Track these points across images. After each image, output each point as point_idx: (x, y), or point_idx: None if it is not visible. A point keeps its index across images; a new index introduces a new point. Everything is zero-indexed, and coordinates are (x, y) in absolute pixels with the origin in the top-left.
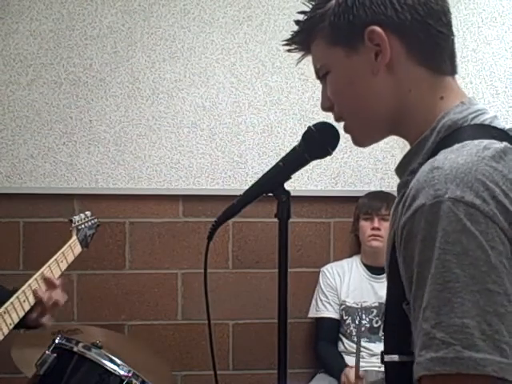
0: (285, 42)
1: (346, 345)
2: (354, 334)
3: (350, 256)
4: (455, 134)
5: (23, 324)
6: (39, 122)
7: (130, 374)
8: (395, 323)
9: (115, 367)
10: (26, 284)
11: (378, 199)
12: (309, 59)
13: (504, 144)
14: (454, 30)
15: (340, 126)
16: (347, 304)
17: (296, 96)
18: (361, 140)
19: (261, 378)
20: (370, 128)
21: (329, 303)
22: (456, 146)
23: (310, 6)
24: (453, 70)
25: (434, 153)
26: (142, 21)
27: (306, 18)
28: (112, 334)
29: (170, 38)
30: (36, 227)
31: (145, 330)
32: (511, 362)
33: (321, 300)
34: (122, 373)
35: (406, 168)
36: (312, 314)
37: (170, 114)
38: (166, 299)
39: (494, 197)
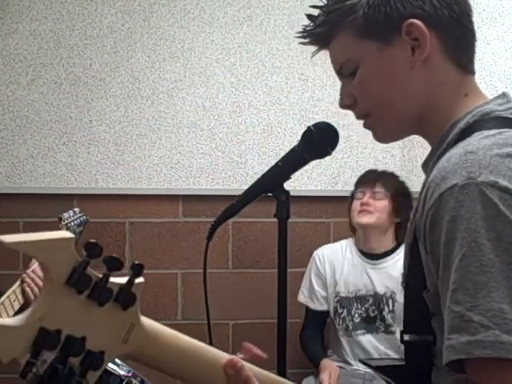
0: (300, 35)
1: (346, 345)
2: (351, 328)
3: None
4: (494, 120)
5: None
6: (39, 122)
7: (129, 374)
8: (414, 308)
9: (115, 367)
10: (16, 284)
11: (369, 175)
12: (308, 58)
13: None
14: None
15: (340, 127)
16: (341, 295)
17: (296, 96)
18: (384, 136)
19: None
20: (396, 124)
21: (315, 295)
22: (493, 131)
23: (326, 1)
24: (473, 70)
25: (464, 133)
26: (142, 21)
27: (330, 9)
28: None
29: (169, 38)
30: (36, 227)
31: None
32: None
33: (307, 289)
34: (121, 372)
35: (433, 156)
36: (300, 299)
37: (170, 114)
38: (165, 299)
39: None
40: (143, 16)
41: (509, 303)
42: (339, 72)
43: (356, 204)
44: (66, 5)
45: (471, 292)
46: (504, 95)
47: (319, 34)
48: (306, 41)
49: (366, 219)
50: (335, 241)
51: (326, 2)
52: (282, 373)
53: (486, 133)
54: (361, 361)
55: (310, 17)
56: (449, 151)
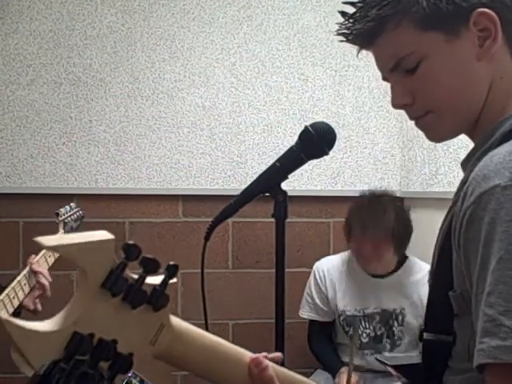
0: (343, 32)
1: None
2: (359, 347)
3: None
4: None
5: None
6: (39, 122)
7: (129, 374)
8: (438, 307)
9: None
10: (15, 281)
11: (364, 223)
12: (307, 58)
13: None
14: None
15: (340, 126)
16: (347, 313)
17: (296, 96)
18: (440, 135)
19: None
20: (458, 120)
21: (318, 309)
22: None
23: None
24: None
25: (511, 133)
26: (142, 21)
27: (383, 2)
28: None
29: (169, 38)
30: (36, 227)
31: None
32: None
33: (308, 302)
34: None
35: (476, 153)
36: (303, 315)
37: (170, 113)
38: None
39: None
40: (143, 16)
41: None
42: (394, 68)
43: (355, 247)
44: (66, 5)
45: (505, 296)
46: None
47: (367, 29)
48: (349, 39)
49: (371, 268)
50: (335, 241)
51: None
52: None
53: None
54: (377, 359)
55: (344, 14)
56: (492, 150)
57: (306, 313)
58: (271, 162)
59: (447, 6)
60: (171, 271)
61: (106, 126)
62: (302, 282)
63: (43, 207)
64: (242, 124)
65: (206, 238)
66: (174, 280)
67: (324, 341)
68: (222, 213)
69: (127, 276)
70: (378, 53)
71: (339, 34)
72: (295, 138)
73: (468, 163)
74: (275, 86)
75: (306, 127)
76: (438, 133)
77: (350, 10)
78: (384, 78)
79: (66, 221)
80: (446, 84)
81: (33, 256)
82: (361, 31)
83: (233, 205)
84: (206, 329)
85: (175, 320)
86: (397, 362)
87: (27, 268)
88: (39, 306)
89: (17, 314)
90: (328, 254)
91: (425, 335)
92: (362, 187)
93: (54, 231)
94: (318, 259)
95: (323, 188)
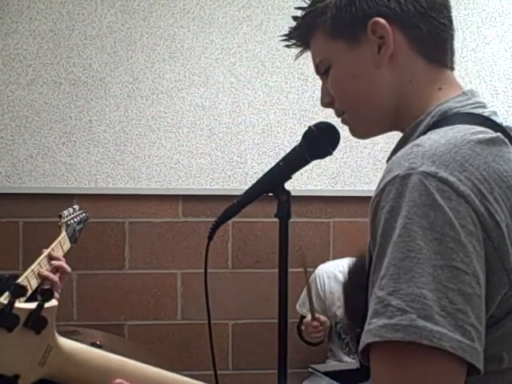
0: (283, 38)
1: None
2: (354, 351)
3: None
4: (448, 118)
5: None
6: (39, 122)
7: None
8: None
9: None
10: (29, 269)
11: None
12: (308, 58)
13: (497, 134)
14: (454, 29)
15: (341, 126)
16: (345, 321)
17: (296, 96)
18: (360, 133)
19: (261, 378)
20: (370, 121)
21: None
22: (445, 128)
23: (309, 1)
24: (452, 64)
25: (423, 135)
26: (142, 21)
27: (305, 12)
28: (110, 336)
29: (169, 38)
30: (36, 227)
31: (144, 329)
32: (474, 346)
33: (308, 305)
34: None
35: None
36: (299, 310)
37: (170, 113)
38: (165, 299)
39: (470, 179)
40: (143, 16)
41: (431, 290)
42: (317, 71)
43: None
44: (66, 5)
45: (395, 277)
46: (464, 93)
47: (297, 36)
48: (291, 43)
49: None
50: (335, 240)
51: (307, 3)
52: (282, 373)
53: (437, 130)
54: (310, 367)
55: (294, 18)
56: None
57: (304, 311)
58: (271, 161)
59: (346, 15)
60: (45, 296)
61: (105, 125)
62: (301, 282)
63: (43, 207)
64: (242, 124)
65: (210, 238)
66: (54, 303)
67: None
68: (225, 213)
69: None
70: (311, 55)
71: (283, 40)
72: (295, 138)
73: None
74: (275, 86)
75: (309, 127)
76: (356, 131)
77: None
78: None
79: (69, 223)
80: (349, 89)
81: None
82: (294, 38)
83: (236, 205)
84: (209, 328)
85: (66, 342)
86: (332, 368)
87: (42, 256)
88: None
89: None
90: (328, 254)
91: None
92: (362, 187)
93: (54, 231)
94: (317, 259)
95: (323, 188)
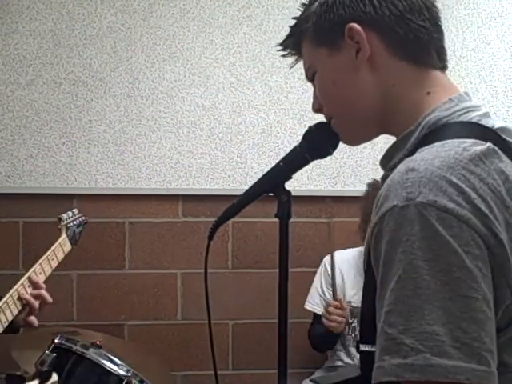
0: (279, 48)
1: (355, 354)
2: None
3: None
4: (438, 131)
5: (11, 327)
6: (39, 122)
7: (129, 374)
8: (370, 317)
9: (114, 367)
10: (13, 289)
11: None
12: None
13: (487, 145)
14: (454, 29)
15: None
16: (353, 305)
17: (295, 96)
18: (349, 139)
19: (261, 378)
20: (357, 127)
21: (323, 301)
22: (435, 144)
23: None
24: (442, 65)
25: (415, 150)
26: (142, 20)
27: (295, 20)
28: (110, 337)
29: (169, 38)
30: (35, 227)
31: (144, 329)
32: (490, 370)
33: (317, 296)
34: (121, 372)
35: (388, 162)
36: (308, 307)
37: (170, 113)
38: (165, 299)
39: (469, 201)
40: (143, 16)
41: (443, 324)
42: (307, 78)
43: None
44: (66, 5)
45: (405, 315)
46: (451, 100)
47: (289, 45)
48: (287, 52)
49: None
50: (335, 241)
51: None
52: (282, 373)
53: (428, 148)
54: (312, 380)
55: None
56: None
57: (314, 306)
58: (271, 161)
59: (325, 23)
60: (43, 376)
61: (105, 125)
62: (301, 282)
63: (43, 207)
64: (242, 124)
65: (210, 238)
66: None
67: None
68: (225, 213)
69: None
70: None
71: (279, 50)
72: (295, 138)
73: (388, 162)
74: (275, 86)
75: (309, 127)
76: (346, 136)
77: None
78: None
79: (69, 225)
80: (332, 94)
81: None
82: (286, 46)
83: (236, 205)
84: (209, 328)
85: None
86: (332, 380)
87: (22, 280)
88: (30, 319)
89: (16, 330)
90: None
91: (361, 347)
92: (362, 187)
93: (54, 231)
94: (317, 259)
95: (323, 188)
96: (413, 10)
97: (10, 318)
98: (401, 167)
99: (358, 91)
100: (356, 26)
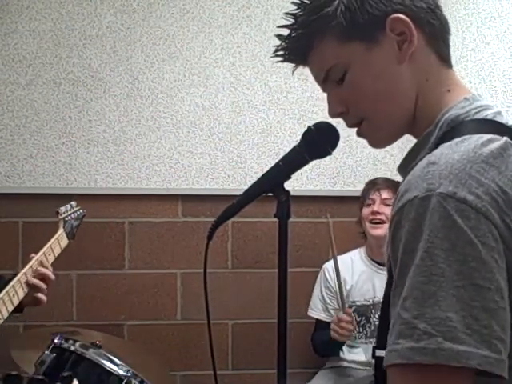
0: (278, 53)
1: (365, 351)
2: (369, 334)
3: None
4: (456, 128)
5: (16, 308)
6: (38, 122)
7: (128, 374)
8: (388, 324)
9: (114, 367)
10: (15, 279)
11: (379, 182)
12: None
13: (504, 139)
14: (454, 29)
15: (341, 126)
16: (357, 304)
17: (295, 96)
18: (378, 141)
19: (260, 378)
20: (392, 124)
21: (327, 308)
22: (455, 140)
23: (302, 12)
24: (452, 64)
25: (435, 148)
26: (141, 20)
27: (306, 22)
28: (110, 337)
29: (169, 38)
30: (35, 227)
31: (144, 329)
32: (501, 358)
33: (320, 302)
34: (120, 372)
35: (410, 164)
36: (311, 314)
37: (170, 113)
38: (165, 299)
39: (488, 193)
40: (142, 16)
41: (456, 312)
42: (325, 80)
43: (366, 212)
44: (66, 5)
45: (419, 301)
46: (466, 99)
47: (298, 48)
48: (284, 59)
49: (379, 231)
50: (335, 241)
51: (293, 20)
52: (282, 373)
53: (448, 143)
54: None
55: (280, 37)
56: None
57: (317, 313)
58: (271, 161)
59: (362, 16)
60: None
61: (105, 125)
62: (301, 282)
63: (43, 207)
64: (242, 124)
65: (209, 238)
66: None
67: (328, 334)
68: (224, 213)
69: None
70: (312, 68)
71: (276, 56)
72: (295, 138)
73: (409, 164)
74: (275, 86)
75: (309, 127)
76: (376, 139)
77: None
78: (324, 91)
79: (67, 219)
80: (371, 90)
81: (32, 255)
82: (294, 51)
83: (235, 205)
84: (208, 328)
85: None
86: None
87: (29, 265)
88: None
89: (19, 310)
90: (328, 254)
91: (377, 352)
92: (362, 187)
93: (54, 231)
94: (317, 259)
95: (323, 188)
96: (438, 6)
97: (11, 309)
98: (422, 162)
99: (399, 84)
100: (403, 16)
